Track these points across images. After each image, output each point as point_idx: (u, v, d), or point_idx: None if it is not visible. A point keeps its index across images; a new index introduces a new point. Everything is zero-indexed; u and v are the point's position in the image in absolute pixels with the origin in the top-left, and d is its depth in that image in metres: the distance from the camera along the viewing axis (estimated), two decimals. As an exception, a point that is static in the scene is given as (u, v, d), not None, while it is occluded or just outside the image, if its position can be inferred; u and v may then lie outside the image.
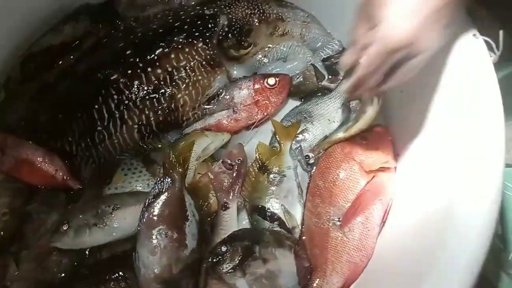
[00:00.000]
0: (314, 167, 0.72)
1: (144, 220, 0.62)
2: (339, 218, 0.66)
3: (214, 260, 0.60)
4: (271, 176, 0.70)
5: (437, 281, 0.48)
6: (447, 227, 0.50)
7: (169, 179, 0.65)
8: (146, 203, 0.63)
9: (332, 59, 0.81)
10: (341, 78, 0.79)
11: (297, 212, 0.68)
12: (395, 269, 0.58)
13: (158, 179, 0.65)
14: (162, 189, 0.64)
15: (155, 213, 0.62)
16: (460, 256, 0.47)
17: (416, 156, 0.66)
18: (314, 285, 0.64)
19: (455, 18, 0.51)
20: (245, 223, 0.69)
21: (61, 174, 0.69)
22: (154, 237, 0.61)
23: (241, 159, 0.70)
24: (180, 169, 0.66)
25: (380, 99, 0.74)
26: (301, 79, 0.81)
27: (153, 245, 0.60)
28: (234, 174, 0.70)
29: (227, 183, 0.70)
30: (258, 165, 0.71)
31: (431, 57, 0.52)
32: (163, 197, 0.63)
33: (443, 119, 0.61)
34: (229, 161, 0.70)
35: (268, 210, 0.67)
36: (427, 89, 0.64)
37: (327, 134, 0.75)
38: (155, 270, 0.59)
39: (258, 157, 0.72)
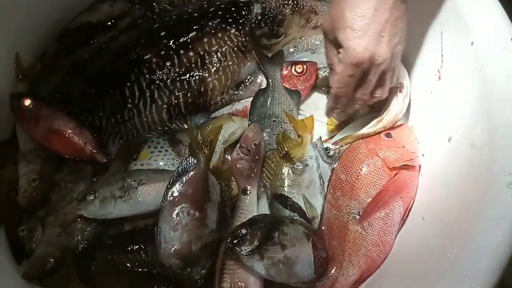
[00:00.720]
0: (337, 160, 0.72)
1: (168, 197, 0.63)
2: (359, 212, 0.66)
3: (234, 241, 0.61)
4: (294, 165, 0.70)
5: (456, 282, 0.48)
6: (471, 227, 0.50)
7: (194, 160, 0.66)
8: (171, 180, 0.64)
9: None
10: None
11: (318, 203, 0.69)
12: (413, 266, 0.58)
13: (184, 158, 0.66)
14: (187, 168, 0.65)
15: (179, 191, 0.63)
16: (484, 257, 0.47)
17: (441, 157, 0.66)
18: (330, 275, 0.64)
19: (401, 29, 0.61)
20: (264, 210, 0.69)
21: (89, 147, 0.71)
22: (176, 214, 0.62)
23: (257, 142, 0.70)
24: (206, 151, 0.67)
25: (407, 98, 0.74)
26: (328, 74, 0.81)
27: (175, 221, 0.61)
28: (252, 159, 0.70)
29: (246, 168, 0.70)
30: (280, 154, 0.72)
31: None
32: (187, 176, 0.64)
33: (472, 122, 0.60)
34: (245, 146, 0.70)
35: (289, 199, 0.68)
36: (457, 92, 0.64)
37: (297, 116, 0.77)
38: (175, 246, 0.60)
39: (280, 146, 0.72)
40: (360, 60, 0.60)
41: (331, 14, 0.62)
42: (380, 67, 0.61)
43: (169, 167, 0.70)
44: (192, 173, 0.65)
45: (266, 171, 0.71)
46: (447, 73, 0.67)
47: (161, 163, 0.70)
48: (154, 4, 0.81)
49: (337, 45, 0.61)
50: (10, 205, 0.67)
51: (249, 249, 0.60)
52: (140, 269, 0.61)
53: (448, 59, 0.67)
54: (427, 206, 0.64)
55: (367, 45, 0.59)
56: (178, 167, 0.65)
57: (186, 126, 0.73)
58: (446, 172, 0.63)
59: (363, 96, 0.66)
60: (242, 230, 0.61)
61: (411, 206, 0.67)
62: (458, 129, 0.63)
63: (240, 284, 0.60)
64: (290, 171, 0.70)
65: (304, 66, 0.78)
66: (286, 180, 0.69)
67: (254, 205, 0.68)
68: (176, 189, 0.63)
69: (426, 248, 0.57)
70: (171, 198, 0.63)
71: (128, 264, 0.60)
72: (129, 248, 0.62)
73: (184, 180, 0.64)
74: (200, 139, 0.67)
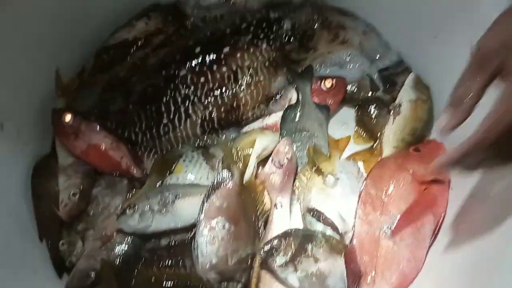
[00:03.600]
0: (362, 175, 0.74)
1: (204, 210, 0.64)
2: (390, 227, 0.66)
3: (268, 253, 0.62)
4: (326, 178, 0.71)
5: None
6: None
7: (229, 173, 0.67)
8: (207, 194, 0.65)
9: (390, 70, 0.82)
10: (398, 89, 0.80)
11: (351, 217, 0.69)
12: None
13: (219, 173, 0.68)
14: (222, 182, 0.67)
15: (214, 205, 0.65)
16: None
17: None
18: (363, 290, 0.65)
19: None
20: (297, 223, 0.70)
21: (126, 161, 0.73)
22: (212, 227, 0.63)
23: (289, 156, 0.71)
24: (240, 166, 0.68)
25: None
26: (356, 88, 0.82)
27: (212, 235, 0.63)
28: (284, 173, 0.71)
29: (279, 182, 0.71)
30: (312, 167, 0.73)
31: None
32: (222, 190, 0.66)
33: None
34: (278, 160, 0.71)
35: (322, 213, 0.68)
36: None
37: (326, 132, 0.78)
38: (212, 260, 0.62)
39: (311, 160, 0.73)
40: None
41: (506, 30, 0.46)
42: None
43: (203, 181, 0.71)
44: (227, 187, 0.66)
45: (298, 185, 0.72)
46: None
47: (196, 177, 0.71)
48: (187, 21, 0.83)
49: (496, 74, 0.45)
50: (51, 219, 0.69)
51: (283, 261, 0.61)
52: (179, 282, 0.62)
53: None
54: (459, 219, 0.64)
55: None
56: (213, 181, 0.67)
57: (220, 141, 0.74)
58: (478, 182, 0.63)
59: None
60: (276, 242, 0.63)
61: (442, 221, 0.68)
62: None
63: (276, 297, 0.61)
64: (322, 184, 0.71)
65: (333, 81, 0.79)
66: (318, 194, 0.70)
67: (286, 219, 0.69)
68: (211, 203, 0.65)
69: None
70: (207, 211, 0.65)
71: (167, 277, 0.62)
72: (168, 262, 0.64)
73: (219, 194, 0.66)
74: (234, 153, 0.69)
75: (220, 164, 0.72)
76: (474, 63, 0.47)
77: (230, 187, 0.67)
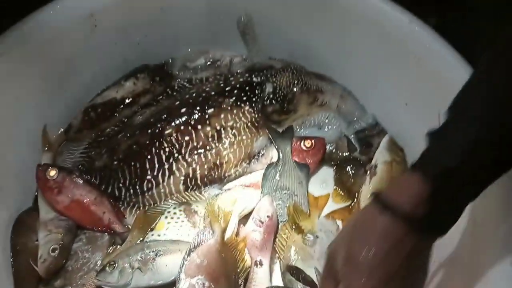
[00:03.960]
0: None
1: (184, 268, 0.64)
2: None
3: (248, 313, 0.61)
4: (305, 236, 0.73)
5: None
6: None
7: (210, 231, 0.68)
8: (187, 252, 0.66)
9: (366, 132, 0.87)
10: (374, 150, 0.84)
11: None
12: None
13: (200, 230, 0.69)
14: (203, 240, 0.67)
15: (195, 262, 0.65)
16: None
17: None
18: None
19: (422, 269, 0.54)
20: (277, 282, 0.71)
21: (108, 217, 0.73)
22: (192, 285, 0.63)
23: (270, 214, 0.73)
24: (221, 223, 0.69)
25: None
26: (334, 148, 0.87)
27: (191, 294, 0.63)
28: (265, 231, 0.72)
29: (259, 240, 0.72)
30: (292, 225, 0.74)
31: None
32: (203, 247, 0.66)
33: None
34: (259, 218, 0.73)
35: (302, 271, 0.69)
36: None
37: (306, 191, 0.80)
38: (191, 320, 0.61)
39: (291, 218, 0.75)
40: None
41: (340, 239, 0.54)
42: None
43: (185, 237, 0.72)
44: (207, 244, 0.67)
45: (278, 243, 0.73)
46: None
47: (177, 234, 0.72)
48: (173, 82, 0.88)
49: (336, 280, 0.51)
50: (29, 275, 0.68)
51: (263, 321, 0.61)
52: None
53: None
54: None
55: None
56: (195, 238, 0.67)
57: (202, 198, 0.76)
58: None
59: None
60: (256, 302, 0.63)
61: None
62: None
63: None
64: (301, 243, 0.72)
65: (312, 141, 0.83)
66: (298, 252, 0.71)
67: (267, 277, 0.69)
68: (192, 261, 0.65)
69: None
70: (187, 269, 0.64)
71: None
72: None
73: (200, 251, 0.66)
74: (216, 211, 0.70)
75: (202, 221, 0.73)
76: (324, 268, 0.56)
77: (211, 245, 0.67)
